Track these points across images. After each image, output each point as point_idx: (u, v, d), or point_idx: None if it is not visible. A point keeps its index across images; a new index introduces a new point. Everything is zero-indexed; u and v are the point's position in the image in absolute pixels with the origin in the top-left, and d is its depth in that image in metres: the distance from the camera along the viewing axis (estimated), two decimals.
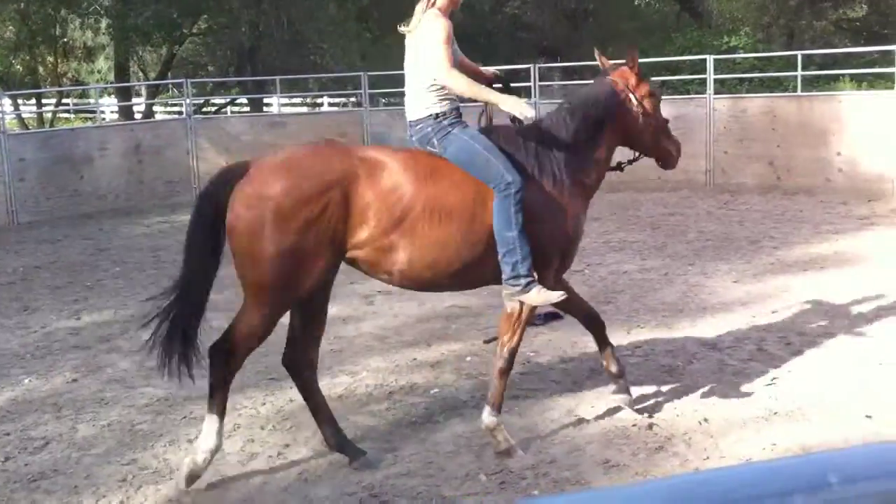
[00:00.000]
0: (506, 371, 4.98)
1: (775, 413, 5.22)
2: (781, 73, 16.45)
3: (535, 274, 4.76)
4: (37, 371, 6.88)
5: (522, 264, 4.70)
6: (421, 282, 4.99)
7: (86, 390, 6.39)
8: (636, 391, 5.66)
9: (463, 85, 4.84)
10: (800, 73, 13.51)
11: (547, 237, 4.85)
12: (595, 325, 5.50)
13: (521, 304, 4.84)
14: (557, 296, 4.77)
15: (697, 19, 25.50)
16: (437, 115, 4.99)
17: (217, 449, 4.81)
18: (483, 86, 5.01)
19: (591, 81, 5.44)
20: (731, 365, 6.08)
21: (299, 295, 4.79)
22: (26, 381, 6.68)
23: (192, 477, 4.77)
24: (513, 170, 4.74)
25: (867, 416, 5.08)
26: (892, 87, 12.33)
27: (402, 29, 5.17)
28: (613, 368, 5.38)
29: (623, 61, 5.34)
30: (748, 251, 9.38)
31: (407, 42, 5.16)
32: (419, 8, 5.06)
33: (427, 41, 4.91)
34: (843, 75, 16.46)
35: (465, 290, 5.69)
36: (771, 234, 10.10)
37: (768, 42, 22.08)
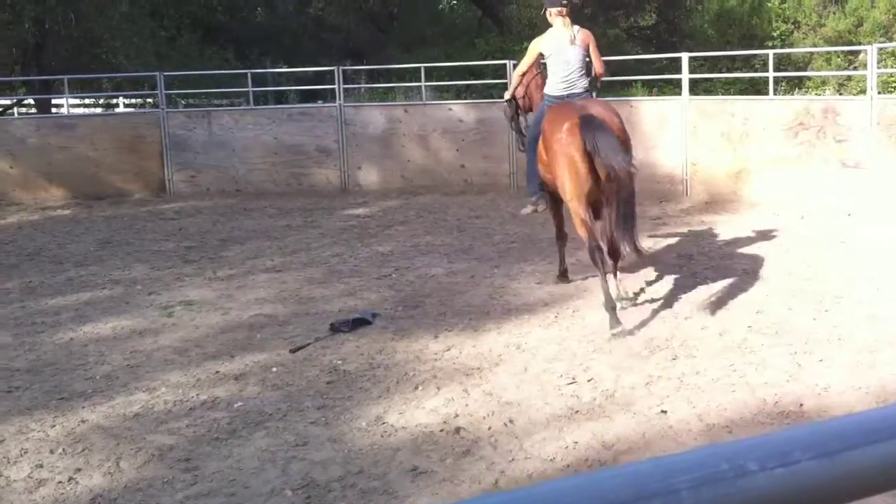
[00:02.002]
0: None
1: (577, 412, 5.35)
2: None
3: None
4: None
5: None
6: None
7: None
8: (442, 394, 5.68)
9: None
10: None
11: None
12: None
13: None
14: None
15: (499, 25, 26.10)
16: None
17: None
18: None
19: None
20: (535, 365, 6.19)
21: None
22: None
23: None
24: None
25: (662, 411, 5.29)
26: (680, 93, 13.02)
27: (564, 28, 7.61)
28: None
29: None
30: (551, 253, 9.61)
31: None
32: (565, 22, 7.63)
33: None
34: (635, 81, 17.26)
35: None
36: (572, 235, 10.40)
37: None
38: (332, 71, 14.77)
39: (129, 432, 5.40)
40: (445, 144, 14.13)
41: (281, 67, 21.41)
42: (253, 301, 8.22)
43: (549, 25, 7.86)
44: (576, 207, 6.95)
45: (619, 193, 6.61)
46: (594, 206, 6.95)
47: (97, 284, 9.09)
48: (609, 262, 7.18)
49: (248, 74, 15.25)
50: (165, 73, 14.85)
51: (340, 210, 12.81)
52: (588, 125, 6.66)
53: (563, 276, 8.37)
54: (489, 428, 5.18)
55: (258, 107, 15.62)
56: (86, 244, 11.06)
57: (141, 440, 5.27)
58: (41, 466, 5.00)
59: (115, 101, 22.46)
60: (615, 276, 7.45)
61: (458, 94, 18.15)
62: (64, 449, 5.21)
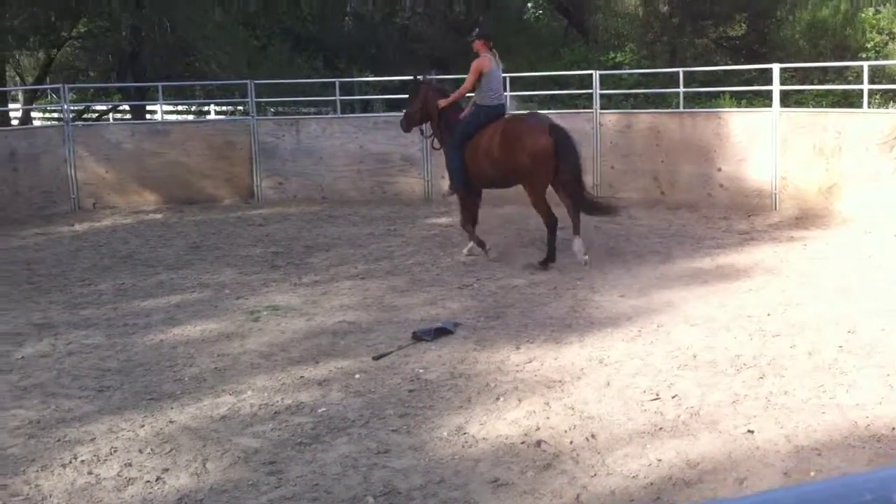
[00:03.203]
0: None
1: (660, 428, 5.28)
2: (665, 90, 16.89)
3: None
4: None
5: None
6: None
7: None
8: (524, 406, 5.67)
9: None
10: (682, 89, 13.86)
11: None
12: None
13: None
14: None
15: (584, 35, 25.96)
16: None
17: None
18: None
19: None
20: (618, 380, 6.14)
21: None
22: None
23: None
24: None
25: (749, 431, 5.19)
26: (770, 105, 12.77)
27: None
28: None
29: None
30: (634, 265, 9.54)
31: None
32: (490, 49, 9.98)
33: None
34: (723, 92, 16.98)
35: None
36: (656, 249, 10.31)
37: (652, 59, 22.64)
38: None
39: (216, 434, 5.52)
40: None
41: (367, 76, 21.63)
42: (337, 307, 8.33)
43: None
44: (541, 192, 9.49)
45: (572, 180, 9.41)
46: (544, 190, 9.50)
47: (187, 288, 9.32)
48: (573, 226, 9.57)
49: (336, 83, 15.45)
50: (256, 82, 15.15)
51: (423, 219, 12.89)
52: (558, 133, 9.34)
53: (481, 245, 10.08)
54: (571, 442, 5.15)
55: (345, 115, 15.83)
56: (176, 248, 11.35)
57: (227, 442, 5.38)
58: (130, 465, 5.14)
59: (206, 108, 23.01)
60: (578, 234, 9.57)
61: (543, 103, 18.10)
62: (152, 449, 5.35)
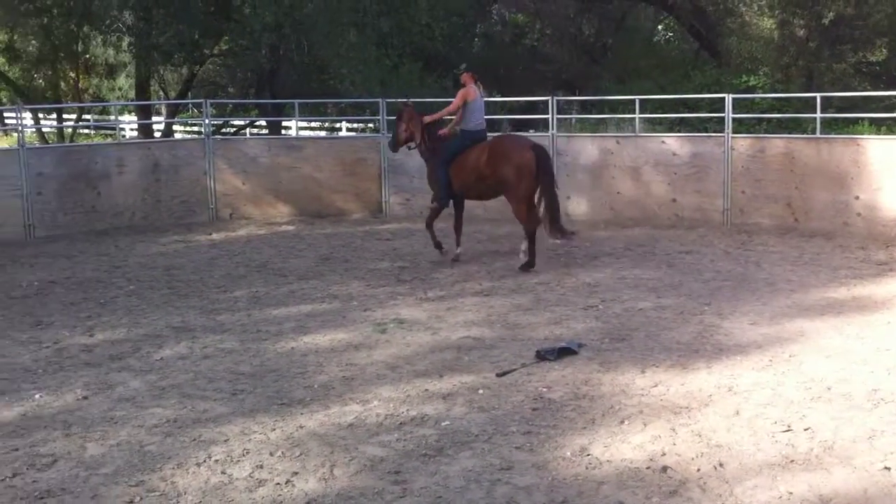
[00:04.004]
0: None
1: (792, 461, 5.15)
2: (800, 115, 16.43)
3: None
4: (48, 387, 6.87)
5: None
6: None
7: (96, 409, 6.38)
8: (649, 431, 5.61)
9: None
10: (819, 115, 13.46)
11: None
12: None
13: None
14: None
15: (716, 58, 25.50)
16: None
17: None
18: None
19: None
20: (748, 409, 6.00)
21: None
22: (37, 396, 6.66)
23: None
24: None
25: (886, 468, 5.00)
26: None
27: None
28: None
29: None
30: (765, 293, 9.31)
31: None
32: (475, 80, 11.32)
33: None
34: (862, 119, 16.42)
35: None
36: (788, 277, 10.03)
37: (787, 83, 22.07)
38: (545, 101, 14.89)
39: (343, 441, 5.66)
40: (657, 177, 13.94)
41: (495, 97, 21.81)
42: (461, 323, 8.42)
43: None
44: (523, 201, 10.71)
45: (550, 190, 10.61)
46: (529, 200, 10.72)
47: (317, 298, 9.58)
48: (548, 231, 10.74)
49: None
50: (387, 100, 15.48)
51: (546, 239, 12.85)
52: (539, 150, 10.74)
53: (438, 247, 11.53)
54: (698, 470, 5.07)
55: None
56: (307, 259, 11.68)
57: (354, 450, 5.51)
58: (261, 467, 5.32)
59: (338, 124, 23.60)
60: (556, 238, 10.80)
61: (671, 126, 17.87)
62: (283, 452, 5.52)
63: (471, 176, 10.99)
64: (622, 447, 5.42)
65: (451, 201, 11.43)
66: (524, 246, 10.88)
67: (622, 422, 5.84)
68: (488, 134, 11.49)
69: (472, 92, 11.12)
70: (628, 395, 6.33)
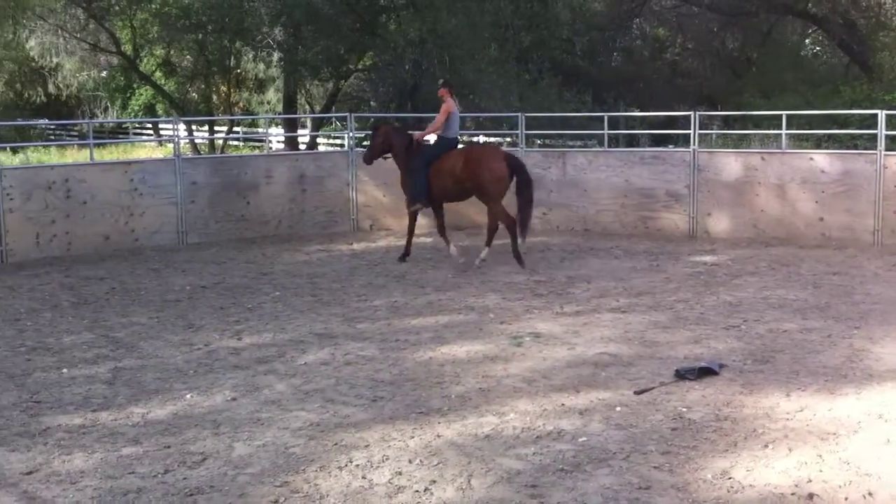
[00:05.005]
0: None
1: None
2: None
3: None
4: (198, 387, 7.20)
5: None
6: None
7: (243, 410, 6.64)
8: (794, 456, 5.45)
9: None
10: None
11: None
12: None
13: None
14: None
15: (867, 73, 24.50)
16: None
17: None
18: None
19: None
20: None
21: None
22: (188, 396, 6.99)
23: None
24: None
25: None
26: None
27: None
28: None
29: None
30: None
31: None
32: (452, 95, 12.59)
33: None
34: None
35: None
36: None
37: None
38: (685, 116, 14.66)
39: (480, 452, 5.72)
40: (804, 195, 13.50)
41: (634, 111, 21.58)
42: (598, 339, 8.37)
43: None
44: (499, 202, 11.83)
45: (525, 194, 11.74)
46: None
47: (454, 309, 9.71)
48: (518, 232, 11.79)
49: (605, 118, 15.53)
50: (526, 115, 15.54)
51: (687, 256, 12.65)
52: (513, 158, 12.14)
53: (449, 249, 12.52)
54: (846, 498, 4.91)
55: (611, 149, 15.85)
56: (444, 271, 11.84)
57: (491, 461, 5.56)
58: (400, 474, 5.43)
59: (475, 138, 23.80)
60: (523, 240, 11.88)
61: (819, 143, 17.28)
62: (421, 460, 5.62)
63: (448, 180, 12.00)
64: (766, 472, 5.29)
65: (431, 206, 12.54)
66: (483, 254, 12.09)
67: (766, 446, 5.69)
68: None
69: (452, 105, 12.31)
70: (772, 419, 6.17)
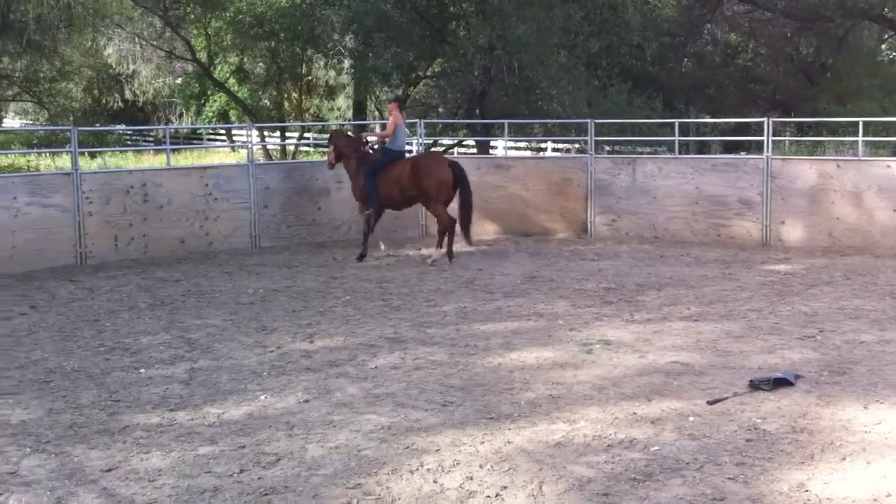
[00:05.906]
0: None
1: None
2: None
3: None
4: (272, 389, 7.32)
5: None
6: None
7: (316, 412, 6.73)
8: (873, 469, 5.34)
9: None
10: None
11: None
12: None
13: None
14: None
15: None
16: None
17: None
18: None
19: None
20: None
21: None
22: (262, 397, 7.11)
23: None
24: None
25: None
26: None
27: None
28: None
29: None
30: None
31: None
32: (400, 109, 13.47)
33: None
34: None
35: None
36: None
37: None
38: (757, 122, 14.45)
39: (551, 459, 5.71)
40: (881, 203, 13.21)
41: (705, 118, 21.32)
42: (669, 347, 8.30)
43: None
44: (441, 207, 12.84)
45: (466, 197, 12.86)
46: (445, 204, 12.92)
47: (523, 315, 9.70)
48: (463, 234, 12.92)
49: (676, 124, 15.37)
50: (595, 121, 15.47)
51: (760, 264, 12.46)
52: (455, 165, 13.03)
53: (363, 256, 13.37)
54: None
55: (682, 156, 15.67)
56: (513, 277, 11.84)
57: (562, 468, 5.55)
58: (471, 479, 5.45)
59: (543, 144, 23.79)
60: (468, 242, 13.08)
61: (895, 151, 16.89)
62: (492, 466, 5.64)
63: (394, 188, 12.94)
64: (843, 485, 5.19)
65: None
66: (429, 250, 13.32)
67: (843, 458, 5.59)
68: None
69: (400, 118, 13.22)
70: (850, 432, 6.05)
